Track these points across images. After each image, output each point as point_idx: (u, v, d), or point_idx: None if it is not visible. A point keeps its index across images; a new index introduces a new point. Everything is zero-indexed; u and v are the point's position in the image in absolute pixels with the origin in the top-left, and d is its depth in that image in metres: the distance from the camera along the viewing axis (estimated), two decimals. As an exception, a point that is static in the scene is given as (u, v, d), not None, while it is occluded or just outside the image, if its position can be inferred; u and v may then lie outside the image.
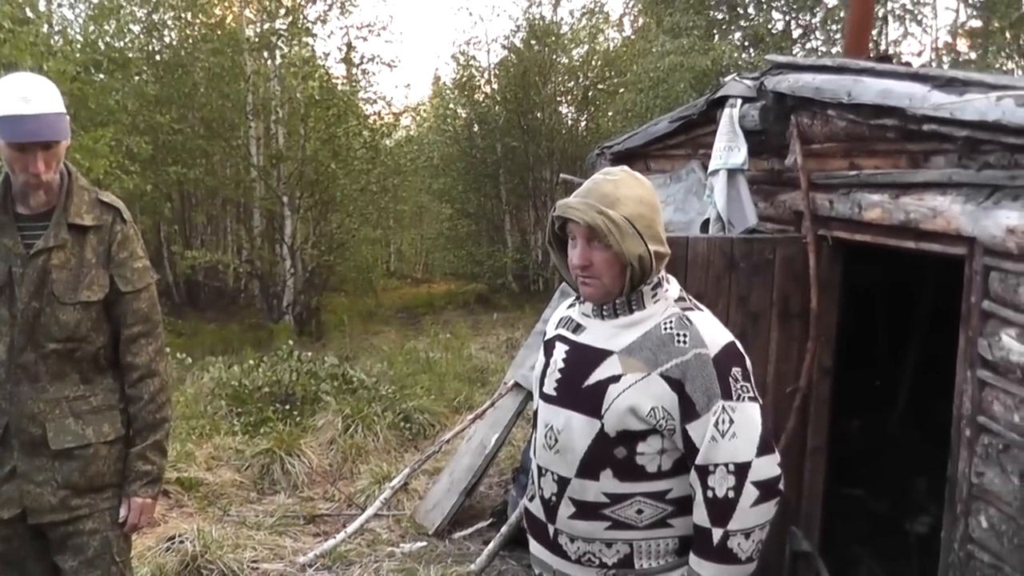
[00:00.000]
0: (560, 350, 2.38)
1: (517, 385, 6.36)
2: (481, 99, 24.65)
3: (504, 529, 5.54)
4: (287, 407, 8.63)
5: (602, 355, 2.25)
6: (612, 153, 6.35)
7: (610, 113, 21.90)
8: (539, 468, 2.38)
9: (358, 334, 16.63)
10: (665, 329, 2.20)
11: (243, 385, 9.11)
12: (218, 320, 20.00)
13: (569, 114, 24.44)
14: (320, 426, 8.10)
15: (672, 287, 2.31)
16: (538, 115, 23.04)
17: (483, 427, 6.43)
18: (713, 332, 2.22)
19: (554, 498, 2.31)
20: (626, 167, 2.36)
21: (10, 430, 2.84)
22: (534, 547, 2.46)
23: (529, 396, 6.26)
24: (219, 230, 25.50)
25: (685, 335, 2.18)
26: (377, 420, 8.12)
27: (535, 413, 2.48)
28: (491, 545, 5.50)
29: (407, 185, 23.58)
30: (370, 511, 6.05)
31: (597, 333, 2.30)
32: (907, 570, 5.04)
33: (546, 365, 2.42)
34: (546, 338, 2.50)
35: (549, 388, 2.37)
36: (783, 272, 4.22)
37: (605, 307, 2.28)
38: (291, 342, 10.85)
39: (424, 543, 5.82)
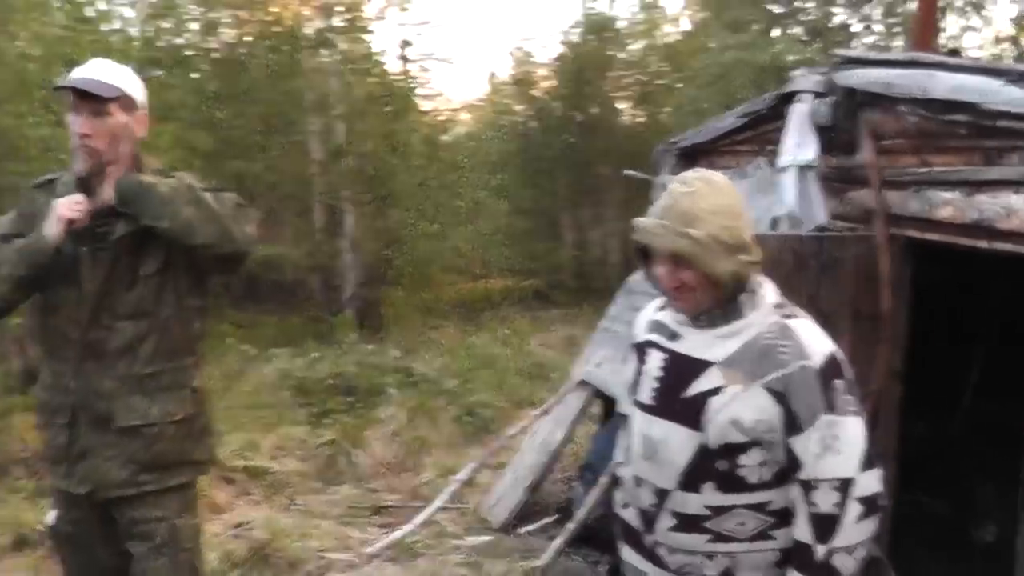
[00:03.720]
0: (656, 357, 2.31)
1: (583, 382, 6.36)
2: (538, 95, 24.58)
3: (570, 525, 5.53)
4: (350, 399, 8.73)
5: (701, 366, 2.18)
6: (678, 149, 6.32)
7: (667, 109, 21.75)
8: (635, 478, 2.33)
9: (417, 328, 16.70)
10: (767, 339, 2.14)
11: (307, 377, 9.24)
12: (278, 313, 20.12)
13: (627, 110, 24.29)
14: (383, 418, 8.19)
15: (768, 291, 2.25)
16: (595, 111, 22.91)
17: (547, 423, 6.45)
18: (815, 342, 2.15)
19: (653, 509, 2.26)
20: (703, 171, 2.27)
21: (78, 408, 2.92)
22: (628, 554, 2.42)
23: (596, 394, 6.26)
24: (279, 224, 25.71)
25: (787, 346, 2.11)
26: (441, 413, 8.18)
27: (627, 418, 2.43)
28: (557, 541, 5.49)
29: (464, 181, 23.64)
30: (436, 504, 6.09)
31: (694, 342, 2.23)
32: (973, 577, 4.98)
33: (639, 372, 2.35)
34: (636, 341, 2.43)
35: (644, 397, 2.31)
36: (853, 271, 4.17)
37: (700, 317, 2.22)
38: (353, 335, 10.97)
39: (489, 537, 5.86)
